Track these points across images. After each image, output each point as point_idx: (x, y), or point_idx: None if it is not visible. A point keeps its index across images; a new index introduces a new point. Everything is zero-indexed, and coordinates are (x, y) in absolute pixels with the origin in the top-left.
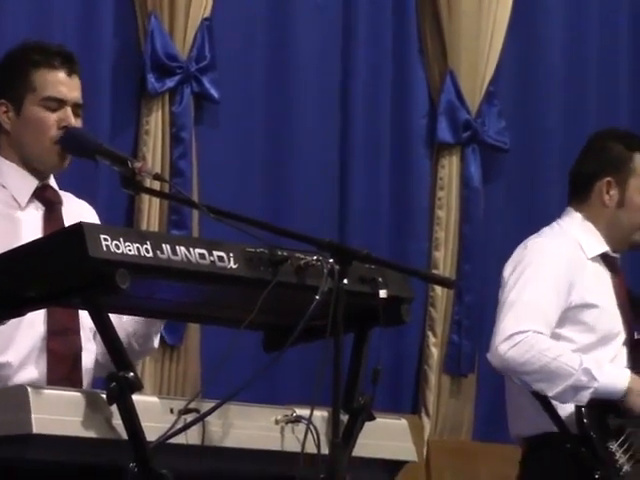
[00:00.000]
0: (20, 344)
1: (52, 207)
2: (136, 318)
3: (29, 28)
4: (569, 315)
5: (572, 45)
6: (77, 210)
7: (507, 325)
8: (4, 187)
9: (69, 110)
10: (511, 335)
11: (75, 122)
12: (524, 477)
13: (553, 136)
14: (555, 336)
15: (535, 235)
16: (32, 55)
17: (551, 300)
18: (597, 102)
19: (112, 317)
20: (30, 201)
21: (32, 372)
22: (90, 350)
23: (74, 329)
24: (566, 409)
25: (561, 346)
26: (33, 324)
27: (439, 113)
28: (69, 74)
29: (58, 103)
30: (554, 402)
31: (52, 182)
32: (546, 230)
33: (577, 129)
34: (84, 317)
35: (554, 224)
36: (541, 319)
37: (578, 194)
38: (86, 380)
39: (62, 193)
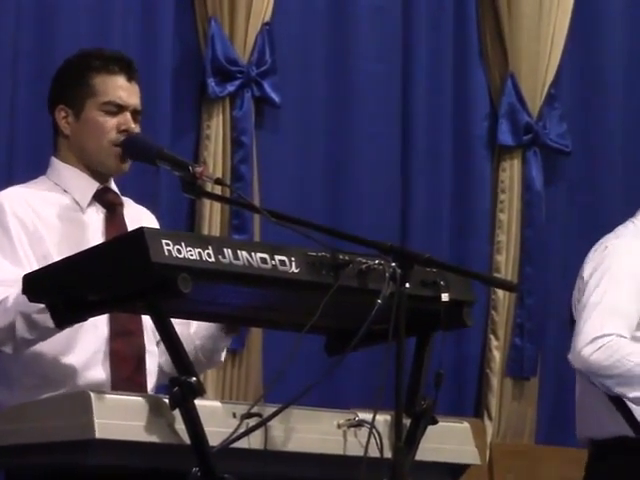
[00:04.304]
0: (83, 346)
1: (114, 209)
2: (204, 332)
3: (89, 34)
4: None
5: (633, 47)
6: (137, 215)
7: (590, 328)
8: (65, 191)
9: (128, 115)
10: (595, 339)
11: (134, 127)
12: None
13: (615, 139)
14: (635, 339)
15: (612, 235)
16: (92, 61)
17: (632, 302)
18: None
19: (180, 330)
20: (91, 204)
21: (97, 374)
22: (153, 353)
23: (137, 331)
24: None
25: None
26: (96, 326)
27: (500, 116)
28: (129, 80)
29: (118, 108)
30: (631, 405)
31: (113, 185)
32: (622, 230)
33: (639, 131)
34: (147, 319)
35: (628, 223)
36: (623, 322)
37: None
38: (150, 382)
39: (122, 198)
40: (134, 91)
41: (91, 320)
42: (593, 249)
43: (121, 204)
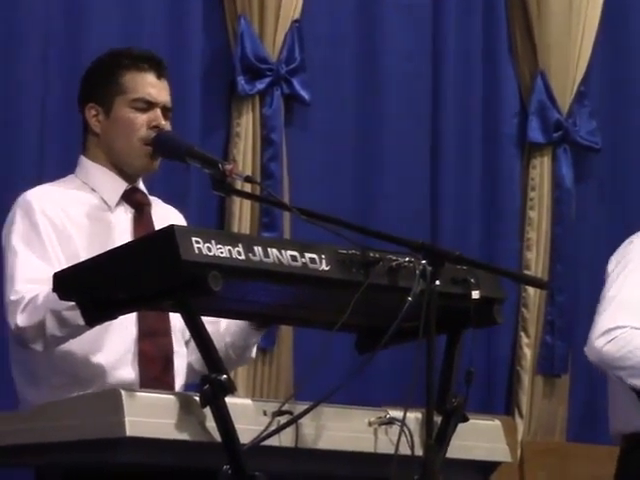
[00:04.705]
0: (112, 346)
1: (141, 209)
2: (234, 328)
3: (119, 33)
4: None
5: None
6: (165, 214)
7: (605, 320)
8: (93, 190)
9: (159, 111)
10: (608, 330)
11: (164, 124)
12: (620, 475)
13: None
14: None
15: None
16: (121, 59)
17: None
18: None
19: (211, 327)
20: (119, 203)
21: (125, 373)
22: (181, 353)
23: (165, 331)
24: None
25: None
26: (125, 326)
27: (530, 113)
28: (158, 77)
29: (148, 105)
30: None
31: (141, 185)
32: None
33: None
34: (175, 320)
35: None
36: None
37: None
38: (178, 382)
39: (150, 198)
40: (164, 88)
41: (120, 320)
42: (621, 245)
43: (149, 204)
